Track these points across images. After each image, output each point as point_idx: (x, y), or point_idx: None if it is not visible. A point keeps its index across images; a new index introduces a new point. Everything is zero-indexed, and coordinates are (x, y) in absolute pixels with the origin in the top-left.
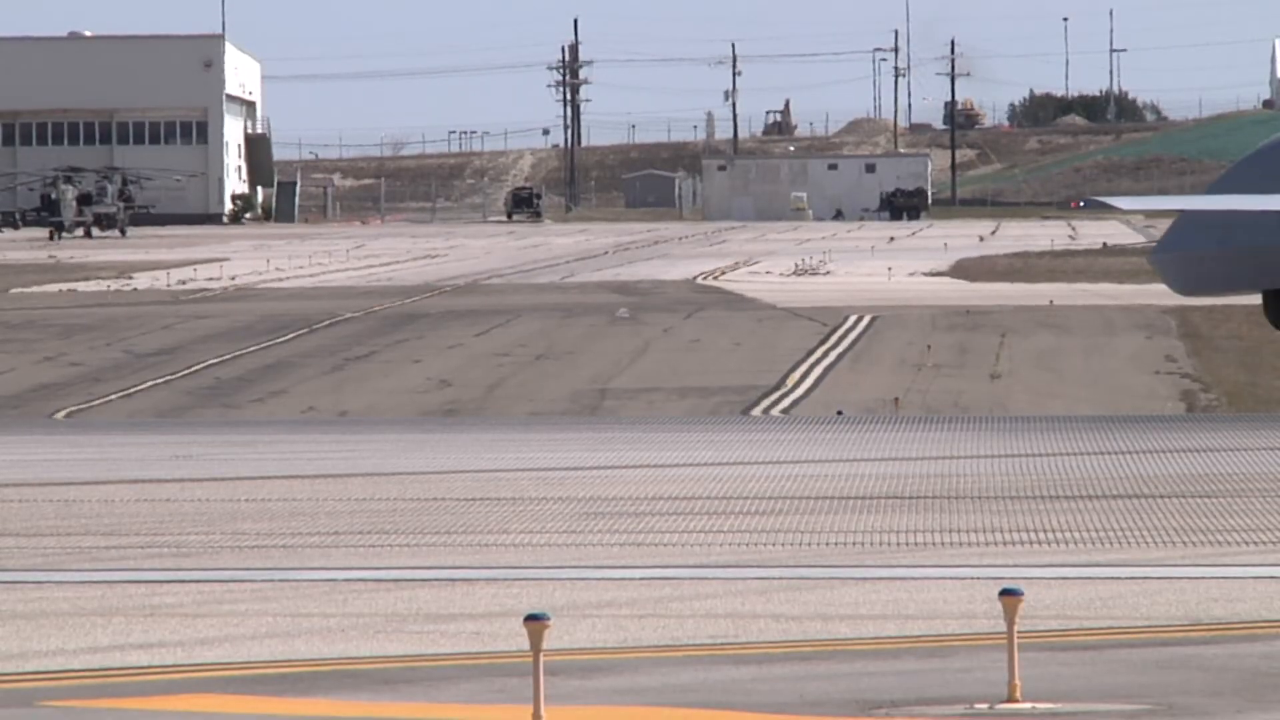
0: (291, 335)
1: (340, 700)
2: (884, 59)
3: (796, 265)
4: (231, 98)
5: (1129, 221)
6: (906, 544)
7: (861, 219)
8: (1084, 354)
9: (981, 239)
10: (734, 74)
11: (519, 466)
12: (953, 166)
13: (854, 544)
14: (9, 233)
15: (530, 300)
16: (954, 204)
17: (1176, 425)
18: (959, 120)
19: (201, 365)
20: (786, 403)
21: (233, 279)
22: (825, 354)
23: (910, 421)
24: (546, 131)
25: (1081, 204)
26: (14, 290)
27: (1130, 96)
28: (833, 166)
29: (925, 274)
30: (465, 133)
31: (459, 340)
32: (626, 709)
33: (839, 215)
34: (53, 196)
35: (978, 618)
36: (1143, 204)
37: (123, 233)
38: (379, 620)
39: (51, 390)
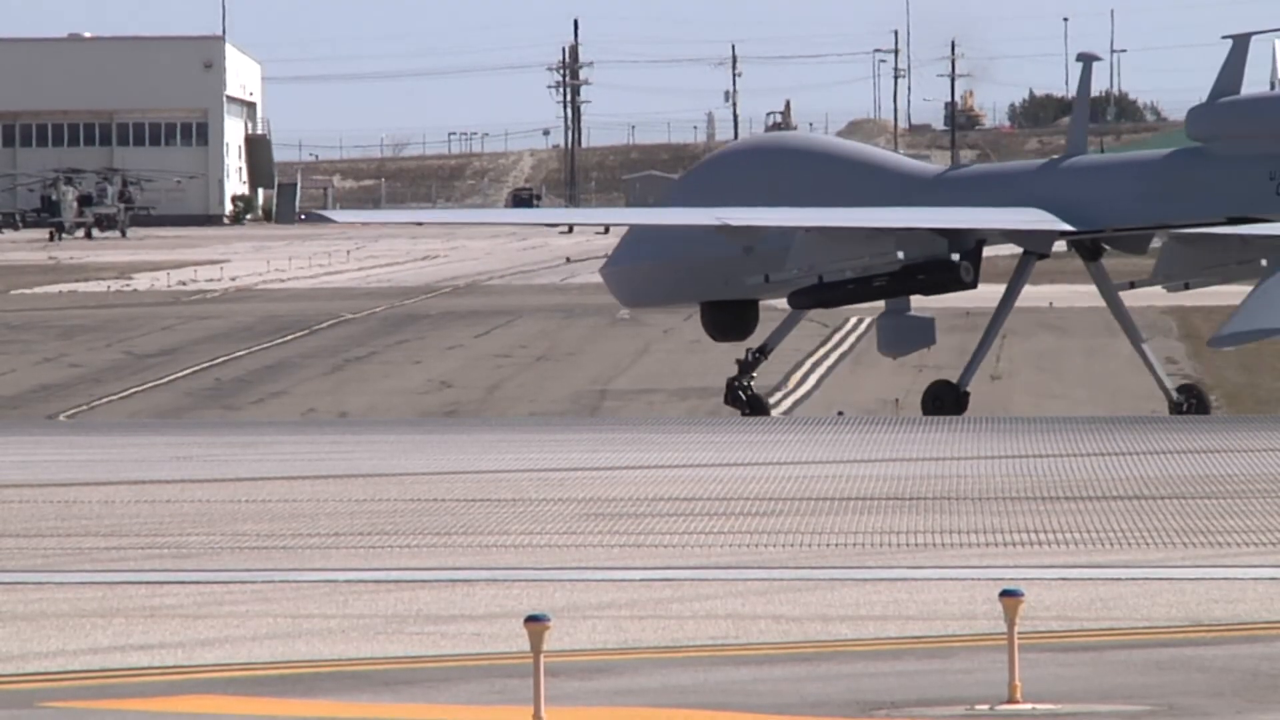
0: (292, 336)
1: (341, 701)
2: (884, 59)
3: None
4: (232, 99)
5: None
6: (907, 545)
7: None
8: (1084, 355)
9: None
10: (734, 75)
11: (519, 467)
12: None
13: (854, 545)
14: (9, 233)
15: (530, 301)
16: None
17: (1176, 426)
18: (959, 121)
19: (201, 366)
20: (787, 403)
21: (233, 280)
22: (826, 355)
23: (910, 422)
24: (547, 132)
25: (304, 217)
26: (14, 291)
27: (1130, 96)
28: None
29: None
30: (465, 133)
31: (459, 341)
32: (627, 710)
33: None
34: (53, 197)
35: (978, 618)
36: (359, 217)
37: (123, 234)
38: (379, 621)
39: (52, 391)
